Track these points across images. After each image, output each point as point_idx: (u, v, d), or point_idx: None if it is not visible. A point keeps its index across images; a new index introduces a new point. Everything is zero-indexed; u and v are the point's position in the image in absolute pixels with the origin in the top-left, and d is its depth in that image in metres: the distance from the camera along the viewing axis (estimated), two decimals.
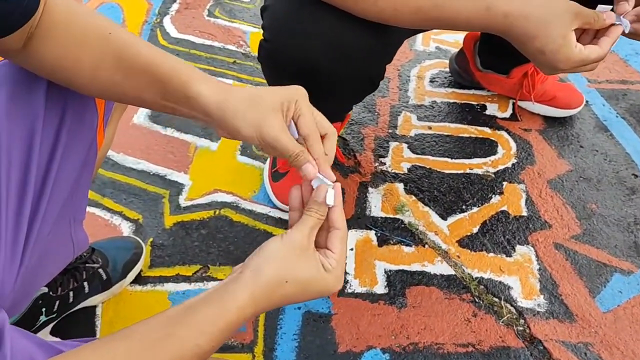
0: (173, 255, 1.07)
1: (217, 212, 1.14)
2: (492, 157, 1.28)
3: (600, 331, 0.98)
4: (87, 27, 0.54)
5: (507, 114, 1.39)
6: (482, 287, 1.04)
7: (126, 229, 1.10)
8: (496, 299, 1.02)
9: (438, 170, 1.24)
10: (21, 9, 0.47)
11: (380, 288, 1.03)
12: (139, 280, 1.02)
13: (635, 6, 0.78)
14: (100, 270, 0.96)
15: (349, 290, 1.02)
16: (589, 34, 0.79)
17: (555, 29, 0.73)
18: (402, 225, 1.13)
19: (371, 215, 1.14)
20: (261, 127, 0.55)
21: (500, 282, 1.04)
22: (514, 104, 1.40)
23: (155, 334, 0.48)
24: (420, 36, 1.60)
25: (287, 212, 1.11)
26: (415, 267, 1.06)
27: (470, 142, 1.31)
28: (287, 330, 0.96)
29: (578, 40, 0.76)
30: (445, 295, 1.02)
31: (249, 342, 0.94)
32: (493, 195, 1.20)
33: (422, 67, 1.51)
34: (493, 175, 1.24)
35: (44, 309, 0.90)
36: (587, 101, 1.41)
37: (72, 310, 0.95)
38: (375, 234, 1.11)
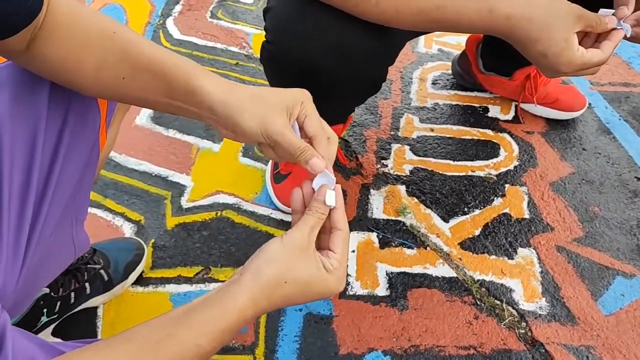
0: (175, 256, 1.07)
1: (218, 214, 1.14)
2: (495, 160, 1.28)
3: (602, 334, 0.98)
4: (90, 27, 0.54)
5: (510, 116, 1.39)
6: (483, 289, 1.04)
7: (128, 230, 1.11)
8: (498, 302, 1.02)
9: (440, 172, 1.24)
10: (25, 10, 0.47)
11: (381, 290, 1.03)
12: (141, 281, 1.02)
13: (635, 10, 0.78)
14: (102, 271, 0.96)
15: (351, 292, 1.02)
16: (590, 38, 0.79)
17: (557, 31, 0.73)
18: (404, 228, 1.13)
19: (373, 217, 1.14)
20: (266, 123, 0.55)
21: (502, 285, 1.04)
22: (516, 106, 1.40)
23: (156, 335, 0.49)
24: (422, 38, 1.60)
25: (289, 214, 1.11)
26: (416, 269, 1.06)
27: (473, 145, 1.31)
28: (288, 331, 0.96)
29: (579, 44, 0.76)
30: (447, 298, 1.02)
31: (250, 344, 0.94)
32: (495, 198, 1.20)
33: (424, 69, 1.51)
34: (495, 178, 1.24)
35: (45, 310, 0.90)
36: (589, 104, 1.41)
37: (73, 311, 0.95)
38: (377, 236, 1.11)
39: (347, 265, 1.04)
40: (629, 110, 1.42)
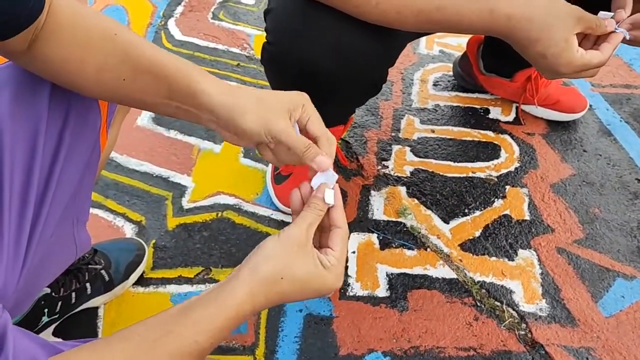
0: (175, 257, 1.07)
1: (219, 215, 1.14)
2: (495, 161, 1.28)
3: (602, 336, 0.98)
4: (91, 28, 0.54)
5: (511, 117, 1.39)
6: (484, 291, 1.04)
7: (129, 230, 1.11)
8: (498, 303, 1.02)
9: (441, 173, 1.24)
10: (26, 11, 0.47)
11: (381, 291, 1.03)
12: (141, 281, 1.02)
13: (632, 14, 0.78)
14: (103, 272, 0.97)
15: (351, 293, 1.02)
16: (589, 40, 0.79)
17: (557, 32, 0.73)
18: (405, 229, 1.13)
19: (373, 218, 1.15)
20: (268, 124, 0.55)
21: (502, 286, 1.04)
22: (517, 107, 1.40)
23: (154, 333, 0.49)
24: (423, 39, 1.60)
25: (290, 214, 1.11)
26: (417, 270, 1.06)
27: (473, 146, 1.31)
28: (289, 332, 0.96)
29: (579, 46, 0.76)
30: (447, 299, 1.02)
31: (250, 345, 0.95)
32: (495, 199, 1.20)
33: (425, 71, 1.51)
34: (496, 179, 1.24)
35: (46, 310, 0.90)
36: (590, 105, 1.41)
37: (74, 311, 0.95)
38: (378, 237, 1.11)
39: (347, 266, 1.05)
40: (630, 112, 1.41)
